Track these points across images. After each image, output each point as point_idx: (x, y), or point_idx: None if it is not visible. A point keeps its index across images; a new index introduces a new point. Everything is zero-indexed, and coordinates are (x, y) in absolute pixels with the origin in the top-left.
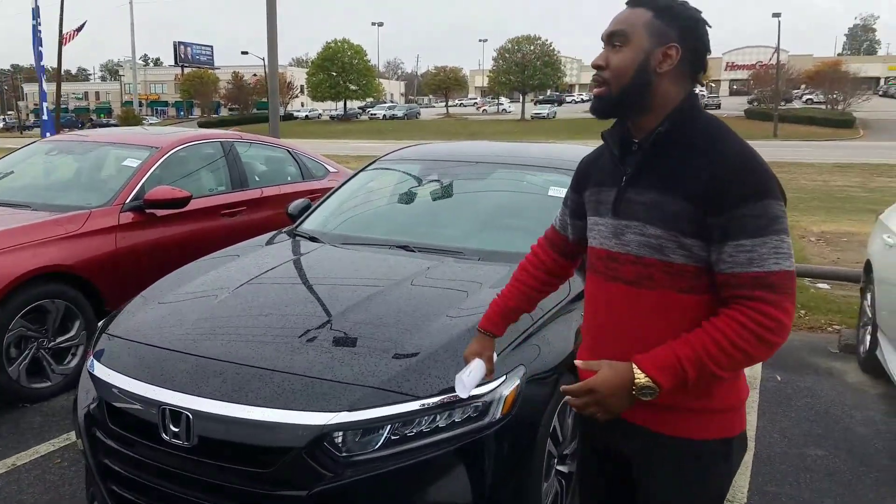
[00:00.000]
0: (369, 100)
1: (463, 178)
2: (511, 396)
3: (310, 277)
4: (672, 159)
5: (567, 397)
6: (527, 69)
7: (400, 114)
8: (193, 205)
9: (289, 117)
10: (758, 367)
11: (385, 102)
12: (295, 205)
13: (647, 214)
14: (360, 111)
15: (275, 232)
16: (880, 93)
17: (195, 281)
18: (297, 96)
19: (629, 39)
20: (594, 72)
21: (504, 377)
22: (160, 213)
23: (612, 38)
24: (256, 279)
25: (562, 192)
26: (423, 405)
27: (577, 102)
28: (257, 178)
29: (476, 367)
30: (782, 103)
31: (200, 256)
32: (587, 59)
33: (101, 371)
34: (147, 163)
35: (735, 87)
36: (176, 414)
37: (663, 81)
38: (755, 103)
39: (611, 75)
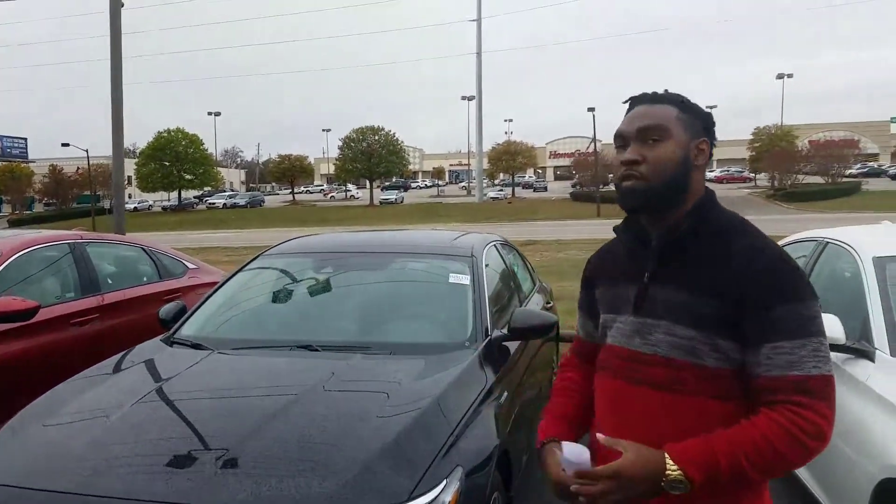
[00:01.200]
0: (207, 189)
1: (358, 269)
2: (454, 500)
3: (210, 390)
4: (700, 255)
5: (575, 487)
6: (373, 157)
7: (242, 202)
8: (40, 315)
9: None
10: None
11: (224, 191)
12: (167, 309)
13: (674, 313)
14: (198, 200)
15: (149, 342)
16: None
17: (72, 405)
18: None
19: (669, 133)
20: (436, 160)
21: (444, 482)
22: (2, 327)
23: (648, 133)
24: (147, 398)
25: (462, 279)
26: None
27: (421, 188)
28: (110, 281)
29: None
30: (601, 186)
31: (51, 373)
32: (427, 148)
33: None
34: None
35: (559, 172)
36: None
37: (696, 175)
38: (578, 187)
39: (650, 170)
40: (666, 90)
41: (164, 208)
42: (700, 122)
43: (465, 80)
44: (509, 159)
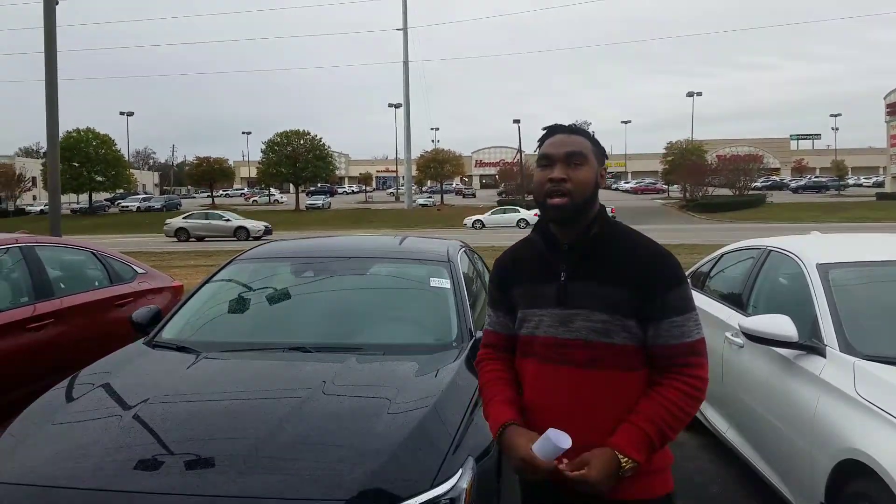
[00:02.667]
0: (119, 191)
1: (339, 273)
2: (469, 488)
3: (214, 392)
4: (605, 256)
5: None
6: (298, 161)
7: (157, 205)
8: None
9: (20, 212)
10: None
11: (137, 194)
12: (142, 313)
13: (593, 302)
14: (109, 203)
15: (130, 346)
16: (612, 187)
17: (76, 406)
18: (29, 189)
19: (587, 160)
20: (363, 166)
21: (460, 471)
22: None
23: (573, 158)
24: (154, 400)
25: (443, 283)
26: None
27: (348, 194)
28: (63, 286)
29: (556, 435)
30: (526, 195)
31: (8, 379)
32: (354, 154)
33: None
34: None
35: (485, 181)
36: None
37: (596, 195)
38: (504, 195)
39: (574, 187)
40: (577, 124)
41: (74, 211)
42: (601, 154)
43: (393, 87)
44: (437, 167)
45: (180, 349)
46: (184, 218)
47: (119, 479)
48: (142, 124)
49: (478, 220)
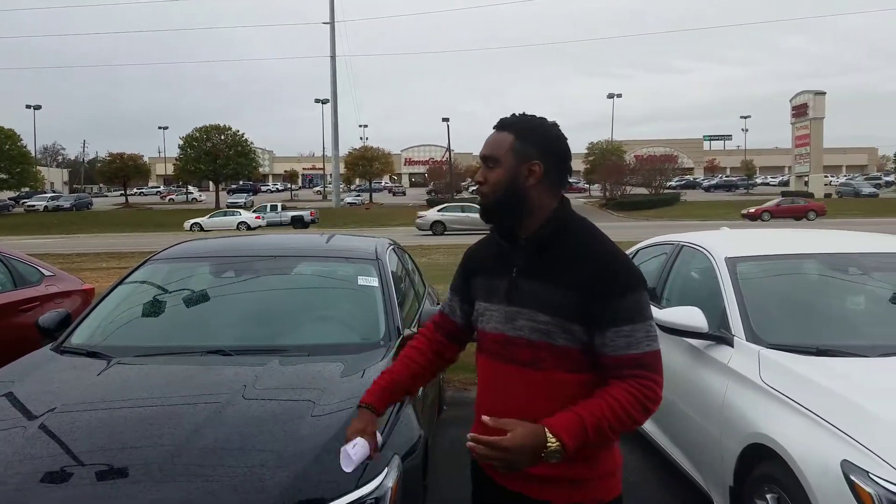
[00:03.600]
0: (25, 189)
1: (262, 273)
2: (395, 487)
3: (127, 399)
4: (556, 256)
5: (470, 443)
6: (219, 158)
7: (66, 204)
8: None
9: None
10: None
11: (45, 192)
12: (49, 318)
13: (536, 302)
14: (13, 202)
15: (36, 352)
16: None
17: None
18: None
19: (499, 162)
20: (288, 163)
21: (385, 470)
22: None
23: (486, 161)
24: (60, 409)
25: (371, 282)
26: None
27: (272, 191)
28: None
29: (361, 444)
30: (455, 194)
31: None
32: (279, 150)
33: None
34: None
35: (414, 179)
36: None
37: (533, 191)
38: (433, 194)
39: (488, 189)
40: (514, 115)
41: None
42: (535, 147)
43: (320, 82)
44: (366, 164)
45: (91, 354)
46: (439, 211)
47: (24, 494)
48: (50, 119)
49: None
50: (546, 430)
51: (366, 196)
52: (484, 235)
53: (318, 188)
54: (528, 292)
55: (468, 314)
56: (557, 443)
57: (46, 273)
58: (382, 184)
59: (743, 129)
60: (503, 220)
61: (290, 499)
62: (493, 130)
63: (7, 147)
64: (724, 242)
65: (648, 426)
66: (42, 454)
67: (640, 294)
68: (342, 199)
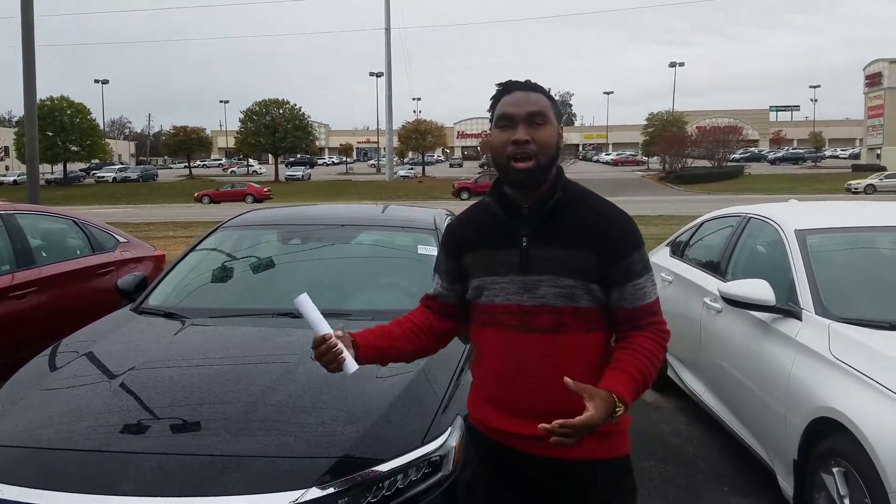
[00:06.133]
0: (94, 161)
1: (326, 240)
2: (458, 445)
3: (204, 358)
4: (570, 220)
5: (555, 439)
6: (277, 131)
7: (134, 175)
8: None
9: None
10: None
11: (113, 164)
12: (127, 280)
13: (558, 268)
14: (84, 174)
15: (117, 312)
16: (580, 157)
17: (66, 371)
18: (1, 159)
19: (548, 119)
20: (343, 137)
21: (449, 429)
22: None
23: (534, 118)
24: (143, 365)
25: (431, 251)
26: (386, 469)
27: (328, 165)
28: (44, 254)
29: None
30: None
31: None
32: (334, 124)
33: None
34: None
35: (467, 152)
36: None
37: (558, 154)
38: (486, 167)
39: (538, 149)
40: (534, 82)
41: (49, 181)
42: (559, 111)
43: (375, 55)
44: (419, 138)
45: (167, 315)
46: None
47: (112, 441)
48: (117, 93)
49: None
50: (613, 395)
51: (418, 169)
52: (461, 212)
53: (371, 161)
54: (547, 259)
55: (459, 292)
56: (622, 404)
57: (121, 239)
58: (435, 157)
59: (812, 100)
60: (539, 185)
61: (359, 453)
62: (519, 92)
63: (77, 120)
64: (793, 214)
65: (709, 399)
66: (126, 407)
67: (643, 247)
68: (395, 173)
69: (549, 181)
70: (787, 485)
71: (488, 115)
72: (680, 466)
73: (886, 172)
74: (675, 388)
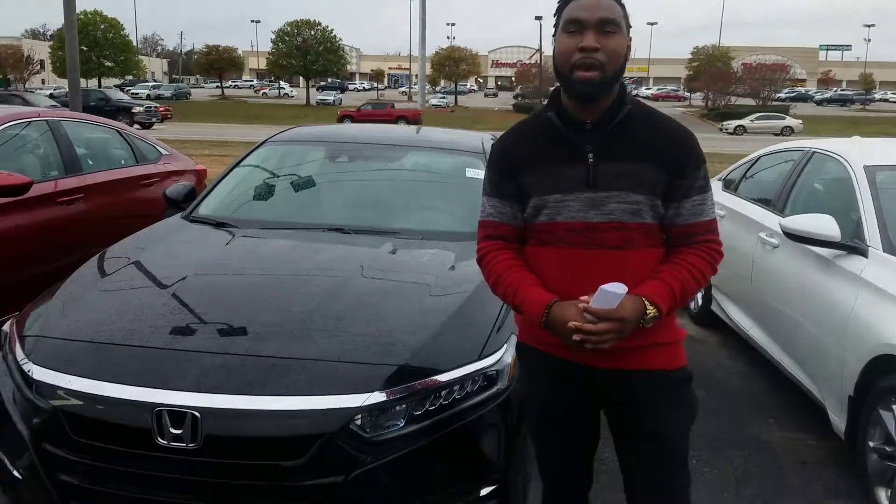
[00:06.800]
0: (128, 77)
1: (373, 159)
2: (513, 363)
3: (259, 267)
4: (638, 135)
5: (573, 323)
6: (309, 54)
7: (167, 94)
8: (30, 192)
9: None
10: None
11: (146, 81)
12: (176, 189)
13: (629, 183)
14: (119, 90)
15: (168, 219)
16: (633, 92)
17: (118, 277)
18: (37, 72)
19: (619, 28)
20: (374, 62)
21: (505, 346)
22: None
23: (605, 25)
24: (198, 271)
25: (479, 174)
26: (445, 379)
27: (359, 90)
28: (90, 162)
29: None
30: (544, 99)
31: (46, 251)
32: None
33: (55, 378)
34: None
35: (500, 82)
36: (177, 415)
37: (625, 67)
38: (520, 98)
39: (606, 58)
40: None
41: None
42: (628, 23)
43: None
44: (452, 66)
45: (218, 225)
46: None
47: (174, 339)
48: (149, 9)
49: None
50: (642, 299)
51: (451, 98)
52: (510, 130)
53: (403, 88)
54: (617, 174)
55: (520, 213)
56: (654, 309)
57: (163, 152)
58: (468, 86)
59: (865, 39)
60: (601, 98)
61: (419, 362)
62: None
63: (111, 36)
64: (861, 150)
65: (756, 334)
66: (184, 309)
67: (705, 165)
68: (427, 101)
69: (613, 96)
70: (838, 420)
71: (525, 44)
72: (725, 398)
73: None
74: (719, 323)
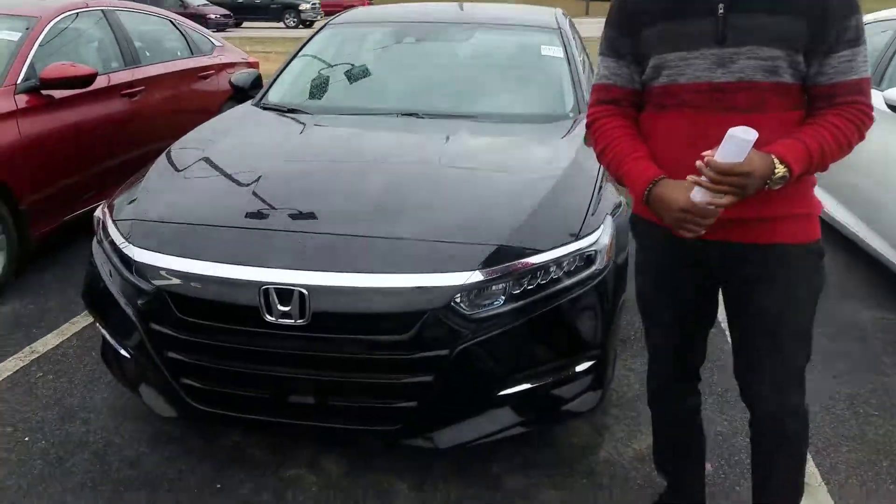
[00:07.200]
0: None
1: (443, 40)
2: (610, 244)
3: (342, 152)
4: None
5: (691, 178)
6: None
7: None
8: (94, 84)
9: None
10: None
11: None
12: (241, 76)
13: (762, 37)
14: None
15: (239, 107)
16: None
17: (203, 163)
18: None
19: None
20: None
21: (601, 227)
22: (58, 94)
23: None
24: (284, 156)
25: (555, 52)
26: (543, 259)
27: None
28: (148, 54)
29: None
30: None
31: (113, 142)
32: None
33: (156, 259)
34: (30, 35)
35: None
36: (285, 293)
37: None
38: None
39: None
40: None
41: None
42: None
43: None
44: None
45: (290, 111)
46: None
47: (273, 221)
48: None
49: None
50: (772, 157)
51: None
52: None
53: None
54: (749, 28)
55: (638, 76)
56: (784, 168)
57: (216, 43)
58: None
59: None
60: None
61: (517, 242)
62: None
63: None
64: None
65: (842, 215)
66: (277, 195)
67: (860, 15)
68: None
69: None
70: None
71: None
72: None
73: None
74: None
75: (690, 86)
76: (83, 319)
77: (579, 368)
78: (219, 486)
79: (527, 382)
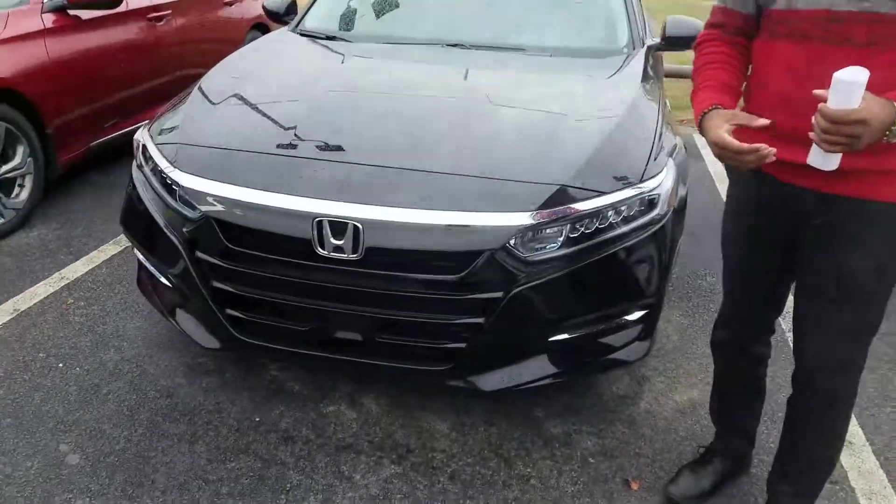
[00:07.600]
0: None
1: None
2: (673, 189)
3: (389, 81)
4: None
5: (810, 134)
6: None
7: None
8: (121, 7)
9: None
10: None
11: None
12: (275, 1)
13: None
14: None
15: (276, 32)
16: None
17: (245, 89)
18: None
19: None
20: None
21: (664, 170)
22: (85, 15)
23: None
24: (329, 85)
25: None
26: (604, 202)
27: None
28: None
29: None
30: None
31: (138, 67)
32: None
33: (205, 186)
34: None
35: None
36: (339, 226)
37: None
38: None
39: None
40: None
41: None
42: None
43: None
44: None
45: (329, 38)
46: None
47: (326, 152)
48: None
49: None
50: (894, 103)
51: None
52: None
53: None
54: None
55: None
56: None
57: None
58: None
59: None
60: None
61: (579, 184)
62: None
63: None
64: None
65: None
66: (326, 125)
67: None
68: None
69: None
70: None
71: None
72: None
73: None
74: None
75: (805, 13)
76: (112, 248)
77: (631, 317)
78: (258, 419)
79: (578, 329)
